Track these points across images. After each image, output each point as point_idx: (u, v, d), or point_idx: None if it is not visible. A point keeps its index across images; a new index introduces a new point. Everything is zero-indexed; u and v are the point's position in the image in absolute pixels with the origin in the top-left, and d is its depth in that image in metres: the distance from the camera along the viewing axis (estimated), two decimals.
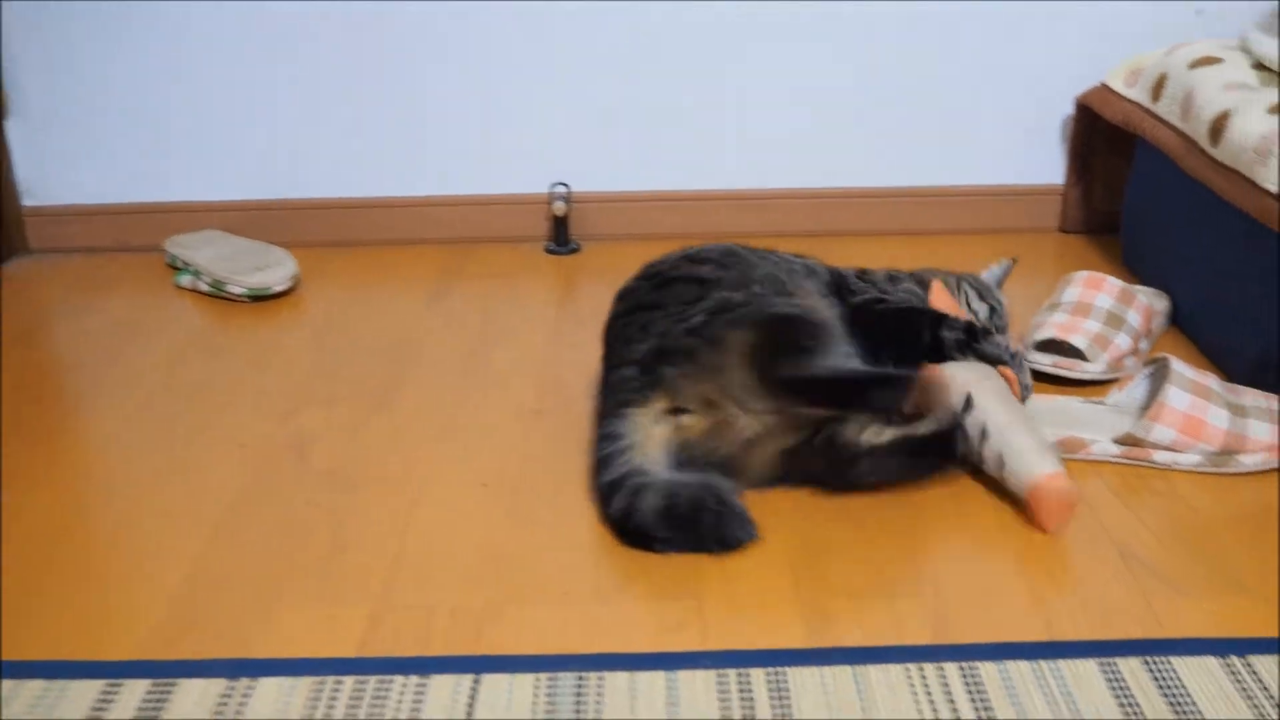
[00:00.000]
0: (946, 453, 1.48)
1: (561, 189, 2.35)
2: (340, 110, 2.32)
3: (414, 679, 1.19)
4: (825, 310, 1.59)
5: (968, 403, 1.47)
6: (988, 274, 1.86)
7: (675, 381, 1.46)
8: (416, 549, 1.41)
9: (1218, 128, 1.74)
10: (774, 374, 1.44)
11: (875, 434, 1.47)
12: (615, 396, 1.50)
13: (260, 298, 2.14)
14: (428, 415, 1.73)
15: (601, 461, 1.46)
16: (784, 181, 2.38)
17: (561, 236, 2.35)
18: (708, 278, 1.59)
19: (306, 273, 2.23)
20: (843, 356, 1.50)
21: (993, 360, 1.56)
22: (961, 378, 1.51)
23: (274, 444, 1.65)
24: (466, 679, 1.19)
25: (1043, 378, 1.76)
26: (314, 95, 2.31)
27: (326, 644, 1.25)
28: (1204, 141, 1.79)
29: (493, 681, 1.18)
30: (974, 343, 1.57)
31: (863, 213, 2.39)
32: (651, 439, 1.45)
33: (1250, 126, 1.66)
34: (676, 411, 1.47)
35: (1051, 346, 1.77)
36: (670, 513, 1.37)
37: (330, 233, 2.40)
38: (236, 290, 2.13)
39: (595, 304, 1.70)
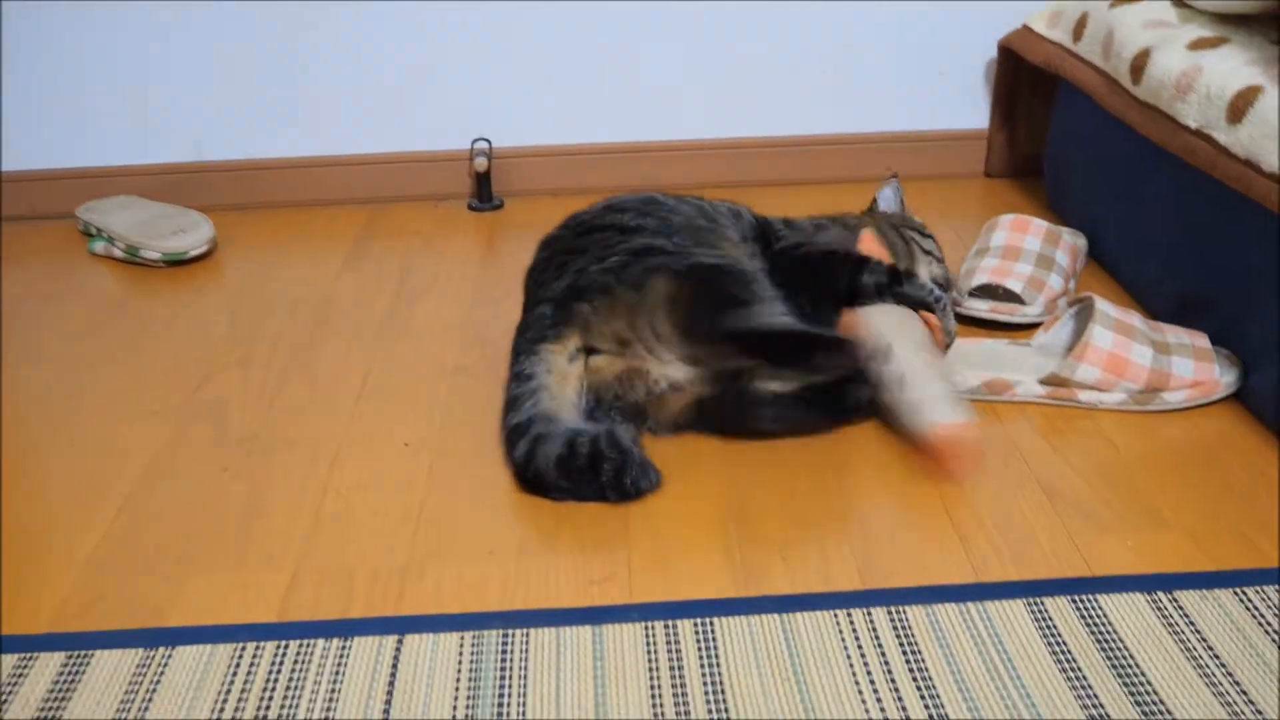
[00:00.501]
0: (846, 403, 1.48)
1: (483, 145, 2.31)
2: (255, 70, 2.27)
3: (335, 642, 1.17)
4: (746, 260, 1.57)
5: (886, 353, 1.46)
6: (884, 200, 1.85)
7: (588, 317, 1.45)
8: (336, 511, 1.38)
9: (1138, 65, 1.74)
10: (712, 325, 1.42)
11: (779, 381, 1.46)
12: (529, 334, 1.49)
13: (176, 262, 2.09)
14: (347, 376, 1.69)
15: (510, 403, 1.44)
16: (706, 132, 2.36)
17: (484, 193, 2.32)
18: (629, 225, 1.57)
19: (224, 236, 2.18)
20: (775, 308, 1.48)
21: (915, 304, 1.56)
22: (878, 322, 1.50)
23: (189, 410, 1.62)
24: (389, 640, 1.17)
25: (980, 323, 1.75)
26: (229, 55, 2.25)
27: (245, 610, 1.22)
28: (1125, 80, 1.78)
29: (415, 642, 1.17)
30: (895, 286, 1.56)
31: (787, 161, 2.37)
32: (565, 379, 1.43)
33: (1170, 63, 1.66)
34: (590, 351, 1.45)
35: (986, 292, 1.76)
36: (569, 462, 1.36)
37: (248, 195, 2.35)
38: (152, 255, 2.08)
39: (518, 260, 1.68)
